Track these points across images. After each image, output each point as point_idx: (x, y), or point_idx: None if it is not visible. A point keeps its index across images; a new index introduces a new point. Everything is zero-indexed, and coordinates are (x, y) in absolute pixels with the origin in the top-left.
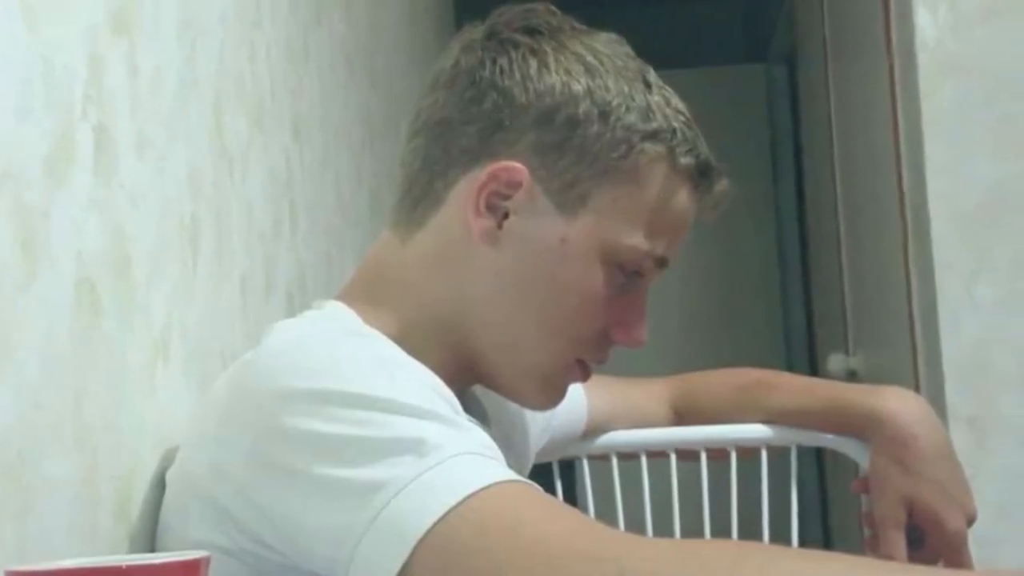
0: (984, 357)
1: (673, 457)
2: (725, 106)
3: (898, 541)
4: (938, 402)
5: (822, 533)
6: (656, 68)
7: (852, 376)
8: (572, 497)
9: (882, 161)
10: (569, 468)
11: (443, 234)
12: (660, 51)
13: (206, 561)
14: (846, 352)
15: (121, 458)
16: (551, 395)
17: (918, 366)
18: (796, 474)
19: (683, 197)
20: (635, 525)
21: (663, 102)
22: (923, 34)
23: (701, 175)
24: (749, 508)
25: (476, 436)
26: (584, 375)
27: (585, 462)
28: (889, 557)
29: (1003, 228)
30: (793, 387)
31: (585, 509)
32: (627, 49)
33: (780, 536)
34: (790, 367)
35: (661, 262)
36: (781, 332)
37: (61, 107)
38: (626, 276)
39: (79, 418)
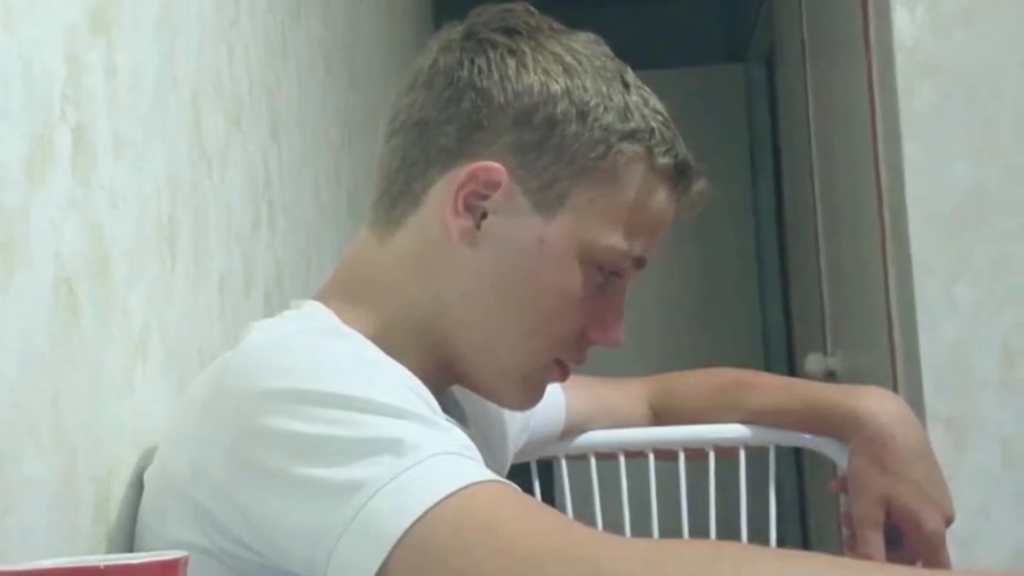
0: (962, 358)
1: (651, 457)
2: (704, 106)
3: (876, 541)
4: (916, 403)
5: (801, 533)
6: (635, 68)
7: (830, 376)
8: (550, 497)
9: (860, 162)
10: (547, 468)
11: (421, 234)
12: (639, 51)
13: (184, 561)
14: (824, 352)
15: (100, 458)
16: (529, 395)
17: (896, 366)
18: (775, 474)
19: (661, 197)
20: (613, 525)
21: (641, 102)
22: (901, 35)
23: (679, 175)
24: (727, 508)
25: (454, 436)
26: (562, 375)
27: (563, 462)
28: (867, 557)
29: (982, 229)
30: (771, 387)
31: (563, 509)
32: (605, 49)
33: (758, 536)
34: (768, 367)
35: (639, 262)
36: (759, 332)
37: (39, 107)
38: (604, 276)
39: (58, 418)
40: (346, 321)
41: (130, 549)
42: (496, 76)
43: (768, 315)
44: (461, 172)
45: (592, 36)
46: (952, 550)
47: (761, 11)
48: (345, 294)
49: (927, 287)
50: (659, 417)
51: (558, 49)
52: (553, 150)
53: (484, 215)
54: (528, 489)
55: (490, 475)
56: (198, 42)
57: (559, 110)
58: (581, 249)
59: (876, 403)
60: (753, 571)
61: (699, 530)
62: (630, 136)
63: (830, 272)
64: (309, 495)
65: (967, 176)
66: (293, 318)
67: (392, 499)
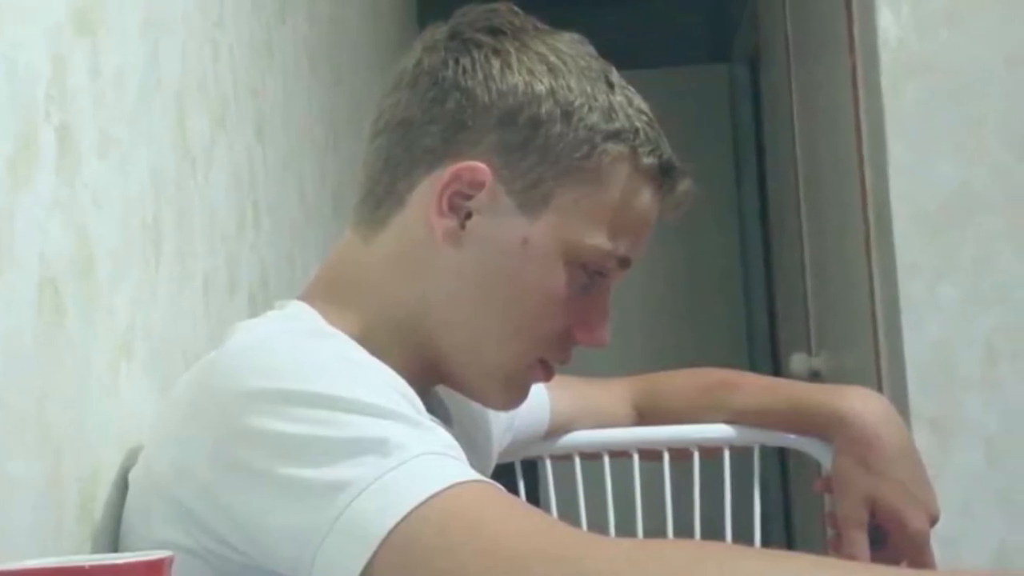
0: (947, 357)
1: (636, 457)
2: (688, 106)
3: (861, 541)
4: (901, 402)
5: (785, 533)
6: (619, 68)
7: (815, 376)
8: (535, 497)
9: (845, 161)
10: (532, 468)
11: (405, 234)
12: (623, 51)
13: (169, 561)
14: (809, 352)
15: (85, 458)
16: (514, 395)
17: (881, 366)
18: (759, 474)
19: (646, 197)
20: (598, 525)
21: (626, 102)
22: (885, 34)
23: (664, 175)
24: (712, 508)
25: (439, 436)
26: (547, 375)
27: (548, 462)
28: (852, 557)
29: (966, 229)
30: (756, 387)
31: (548, 509)
32: (590, 49)
33: (743, 536)
34: (753, 367)
35: (624, 262)
36: (744, 332)
37: (24, 107)
38: (588, 276)
39: (42, 418)
40: (330, 321)
41: (115, 549)
42: (480, 76)
43: (752, 315)
44: (445, 172)
45: (576, 36)
46: (936, 549)
47: (745, 11)
48: (329, 294)
49: (912, 287)
50: (643, 417)
51: (543, 49)
52: (538, 150)
53: (468, 215)
54: (513, 489)
55: (475, 475)
56: (183, 42)
57: (544, 110)
58: (565, 249)
59: (860, 403)
60: (737, 571)
61: (684, 530)
62: (615, 136)
63: (814, 272)
64: (294, 495)
65: (952, 175)
66: (277, 318)
67: (377, 499)
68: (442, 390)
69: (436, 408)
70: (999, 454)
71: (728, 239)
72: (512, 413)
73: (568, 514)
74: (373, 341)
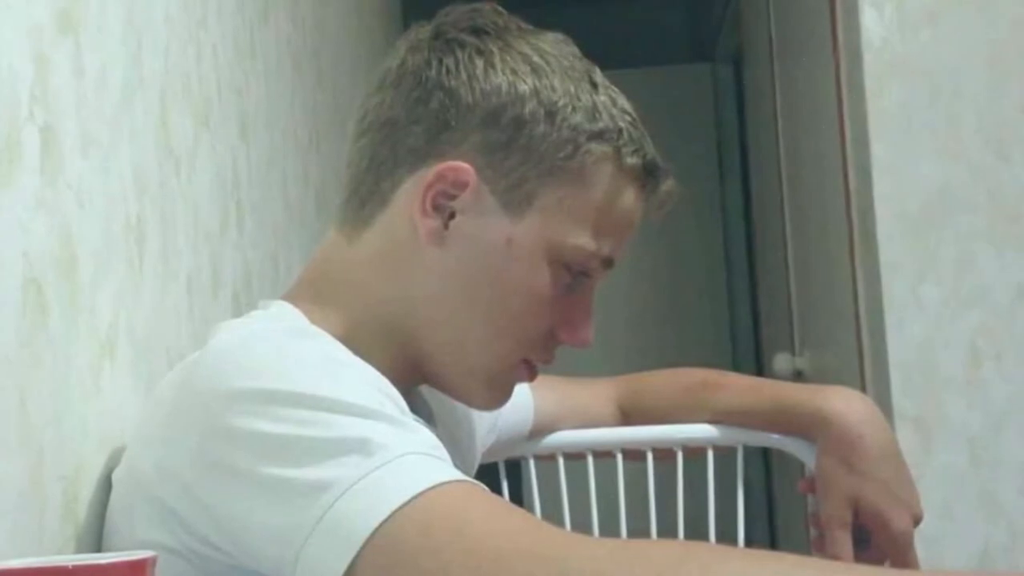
0: (930, 357)
1: (620, 457)
2: (671, 106)
3: (844, 541)
4: (884, 402)
5: (768, 533)
6: (602, 68)
7: (798, 376)
8: (519, 497)
9: (828, 161)
10: (516, 468)
11: (390, 234)
12: (606, 51)
13: (152, 561)
14: (792, 352)
15: (67, 458)
16: (497, 395)
17: (864, 366)
18: (742, 474)
19: (629, 197)
20: (581, 525)
21: (609, 102)
22: (869, 34)
23: (647, 175)
24: (695, 508)
25: (422, 436)
26: (530, 375)
27: (532, 462)
28: (835, 557)
29: (949, 229)
30: (739, 387)
31: (531, 509)
32: (573, 49)
33: (726, 536)
34: (736, 367)
35: (607, 262)
36: (727, 332)
37: (7, 107)
38: (572, 276)
39: (25, 418)
40: (314, 321)
41: (98, 549)
42: (464, 76)
43: (736, 315)
44: (429, 172)
45: (560, 36)
46: (919, 549)
47: (728, 11)
48: (313, 294)
49: (894, 286)
50: (627, 417)
51: (526, 49)
52: (521, 150)
53: (452, 215)
54: (496, 489)
55: (458, 475)
56: (166, 42)
57: (527, 110)
58: (549, 249)
59: (844, 403)
60: (721, 571)
61: (667, 530)
62: (598, 136)
63: (798, 272)
64: (277, 495)
65: (934, 175)
66: (261, 318)
67: (360, 499)
68: (425, 390)
69: (419, 408)
70: (982, 454)
71: (711, 239)
72: (496, 413)
73: (552, 514)
74: (357, 341)
